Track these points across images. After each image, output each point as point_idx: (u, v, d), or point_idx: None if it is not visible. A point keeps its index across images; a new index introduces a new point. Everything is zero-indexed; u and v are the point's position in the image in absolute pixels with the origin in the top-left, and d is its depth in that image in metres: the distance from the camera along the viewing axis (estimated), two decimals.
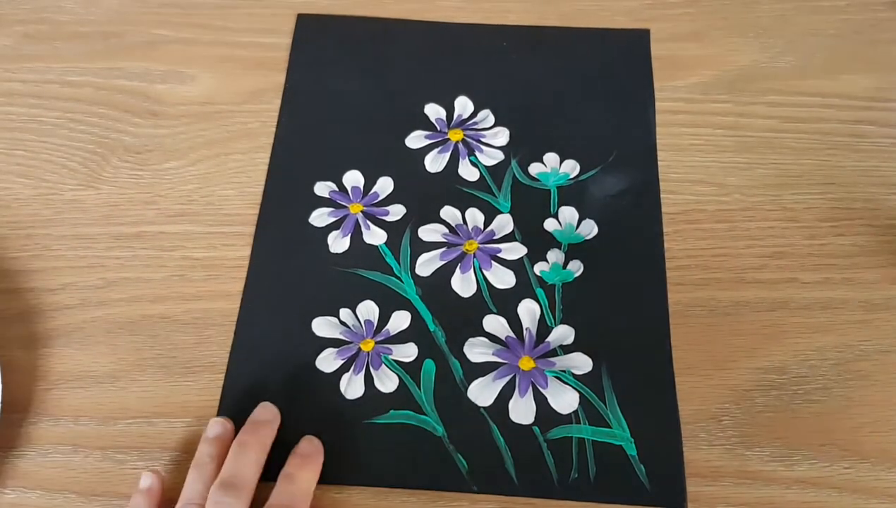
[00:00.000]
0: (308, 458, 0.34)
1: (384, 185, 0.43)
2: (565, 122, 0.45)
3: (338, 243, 0.41)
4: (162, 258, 0.41)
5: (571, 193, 0.42)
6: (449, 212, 0.42)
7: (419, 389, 0.37)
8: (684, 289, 0.40)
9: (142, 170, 0.44)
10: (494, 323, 0.39)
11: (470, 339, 0.38)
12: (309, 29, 0.49)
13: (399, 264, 0.40)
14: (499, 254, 0.41)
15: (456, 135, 0.45)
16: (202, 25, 0.50)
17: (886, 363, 0.37)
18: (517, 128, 0.45)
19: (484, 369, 0.37)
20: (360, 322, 0.39)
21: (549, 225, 0.42)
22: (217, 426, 0.35)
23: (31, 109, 0.46)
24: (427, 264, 0.41)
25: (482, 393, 0.37)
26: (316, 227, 0.42)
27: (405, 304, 0.39)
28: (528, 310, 0.39)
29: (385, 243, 0.41)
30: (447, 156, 0.44)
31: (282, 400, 0.37)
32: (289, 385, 0.37)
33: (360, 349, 0.38)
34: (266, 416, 0.36)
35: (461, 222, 0.42)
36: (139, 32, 0.49)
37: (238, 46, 0.49)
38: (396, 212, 0.42)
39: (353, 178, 0.43)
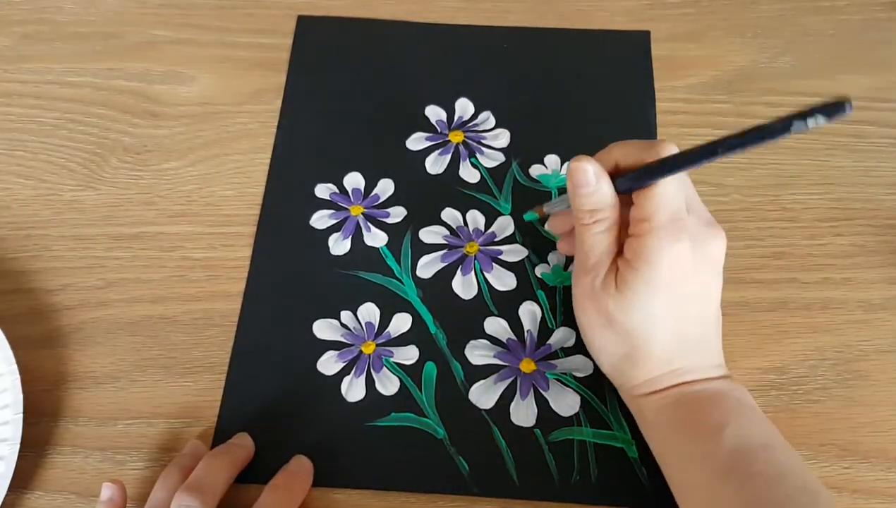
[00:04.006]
0: (297, 475, 0.34)
1: (385, 187, 0.43)
2: (566, 124, 0.45)
3: (339, 245, 0.41)
4: (161, 259, 0.41)
5: None
6: (450, 214, 0.42)
7: (420, 391, 0.37)
8: None
9: (141, 170, 0.44)
10: (495, 326, 0.39)
11: (471, 341, 0.38)
12: (309, 30, 0.49)
13: (400, 266, 0.40)
14: (500, 256, 0.41)
15: (457, 137, 0.45)
16: (201, 26, 0.50)
17: (885, 363, 0.38)
18: (518, 130, 0.45)
19: (485, 371, 0.38)
20: (360, 324, 0.39)
21: None
22: (190, 446, 0.36)
23: (30, 110, 0.46)
24: (428, 266, 0.40)
25: (483, 395, 0.37)
26: (317, 229, 0.42)
27: (406, 306, 0.39)
28: (529, 312, 0.39)
29: (386, 245, 0.41)
30: (448, 157, 0.44)
31: (283, 403, 0.37)
32: (290, 387, 0.37)
33: (361, 351, 0.38)
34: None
35: (462, 224, 0.42)
36: (138, 33, 0.49)
37: (237, 47, 0.49)
38: (397, 213, 0.42)
39: (353, 180, 0.43)
